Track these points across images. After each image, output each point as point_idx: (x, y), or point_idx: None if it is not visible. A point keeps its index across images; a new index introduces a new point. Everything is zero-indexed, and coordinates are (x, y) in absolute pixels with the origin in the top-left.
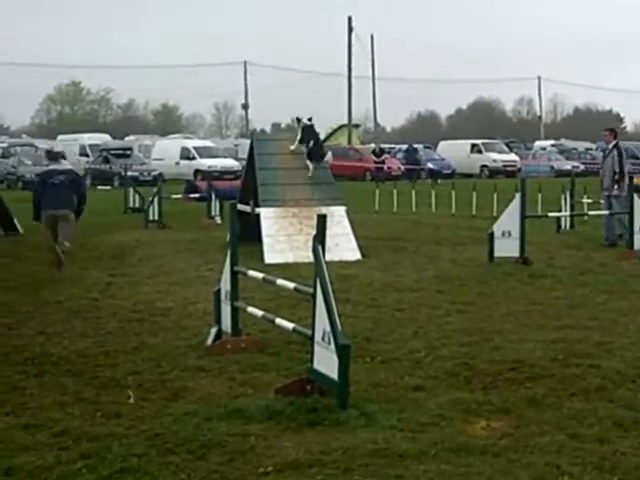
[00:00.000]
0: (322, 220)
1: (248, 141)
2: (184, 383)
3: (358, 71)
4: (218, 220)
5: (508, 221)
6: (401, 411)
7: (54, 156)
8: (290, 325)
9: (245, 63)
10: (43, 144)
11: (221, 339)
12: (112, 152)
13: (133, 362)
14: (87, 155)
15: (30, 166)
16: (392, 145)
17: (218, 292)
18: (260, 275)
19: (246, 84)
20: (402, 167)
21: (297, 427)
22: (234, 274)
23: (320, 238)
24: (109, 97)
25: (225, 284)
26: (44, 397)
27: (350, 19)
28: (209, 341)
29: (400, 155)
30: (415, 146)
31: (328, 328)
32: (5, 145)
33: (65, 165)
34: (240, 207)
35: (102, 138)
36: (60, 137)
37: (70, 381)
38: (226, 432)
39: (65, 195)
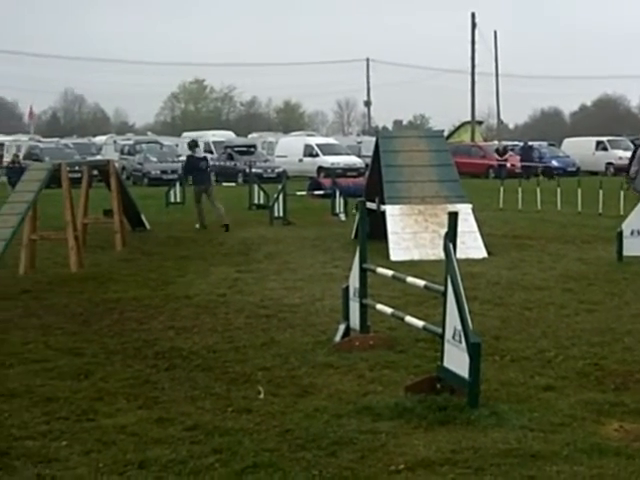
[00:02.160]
0: (453, 217)
1: (370, 138)
2: (313, 379)
3: (481, 67)
4: (342, 217)
5: (637, 220)
6: (532, 411)
7: (194, 144)
8: (420, 323)
9: (367, 60)
10: (168, 141)
11: (349, 336)
12: (236, 149)
13: (262, 358)
14: (211, 152)
15: (156, 163)
16: (514, 142)
17: (346, 289)
18: (390, 272)
19: (368, 81)
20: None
21: (427, 425)
22: (363, 271)
23: (451, 236)
24: (232, 95)
25: (354, 281)
26: (175, 391)
27: (474, 15)
28: (337, 338)
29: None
30: (530, 144)
31: (459, 326)
32: (131, 142)
33: (200, 153)
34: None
35: (226, 135)
36: (185, 134)
37: (200, 376)
38: (356, 429)
39: (207, 175)
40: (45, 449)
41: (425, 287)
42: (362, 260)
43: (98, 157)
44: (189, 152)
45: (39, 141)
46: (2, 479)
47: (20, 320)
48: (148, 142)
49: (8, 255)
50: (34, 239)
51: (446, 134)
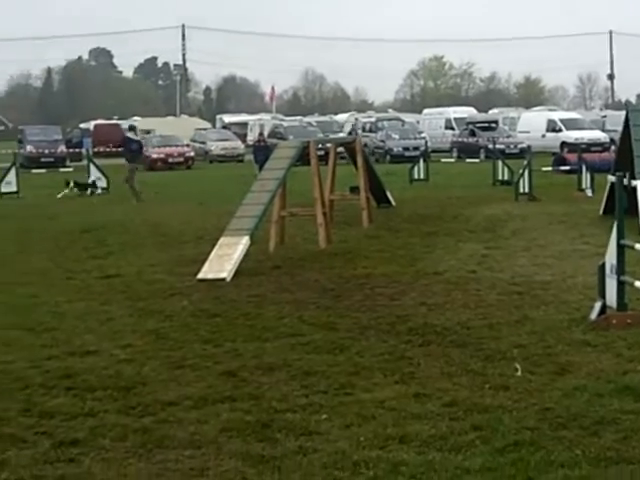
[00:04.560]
0: None
1: (615, 112)
2: (570, 358)
3: None
4: (589, 193)
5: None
6: None
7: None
8: None
9: (610, 33)
10: (410, 118)
11: (605, 314)
12: (478, 125)
13: (517, 335)
14: (452, 128)
15: (397, 140)
16: None
17: (602, 266)
18: None
19: (612, 54)
20: None
21: None
22: (621, 248)
23: None
24: (471, 71)
25: (611, 258)
26: (431, 367)
27: None
28: (593, 316)
29: None
30: None
31: None
32: (373, 120)
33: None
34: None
35: (467, 111)
36: (426, 111)
37: (455, 352)
38: (618, 409)
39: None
40: (305, 422)
41: None
42: (620, 236)
43: (341, 135)
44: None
45: (282, 120)
46: (265, 451)
47: (273, 295)
48: (389, 119)
49: (259, 231)
50: (283, 215)
51: None
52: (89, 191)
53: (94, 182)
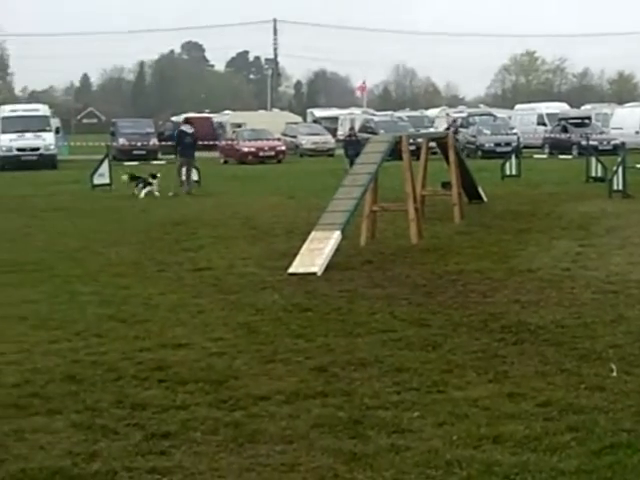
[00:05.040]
0: None
1: None
2: None
3: None
4: None
5: None
6: None
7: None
8: None
9: None
10: (502, 114)
11: None
12: (570, 121)
13: (612, 335)
14: (544, 124)
15: (489, 135)
16: None
17: None
18: None
19: None
20: None
21: None
22: None
23: None
24: (564, 66)
25: None
26: (525, 366)
27: None
28: None
29: None
30: None
31: None
32: (464, 115)
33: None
34: None
35: (560, 107)
36: (517, 106)
37: (550, 351)
38: None
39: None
40: (397, 419)
41: None
42: None
43: (431, 130)
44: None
45: (373, 114)
46: (357, 447)
47: (365, 290)
48: (481, 114)
49: (350, 225)
50: (375, 210)
51: None
52: (140, 185)
53: (154, 175)
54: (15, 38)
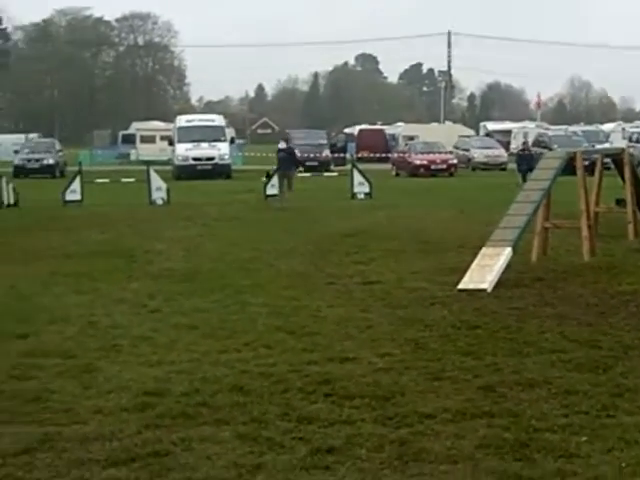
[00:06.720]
0: None
1: None
2: None
3: None
4: None
5: None
6: None
7: None
8: None
9: None
10: None
11: None
12: None
13: None
14: None
15: None
16: None
17: None
18: None
19: None
20: None
21: None
22: None
23: None
24: None
25: None
26: None
27: None
28: None
29: None
30: None
31: None
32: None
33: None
34: None
35: None
36: None
37: None
38: None
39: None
40: (565, 443)
41: None
42: None
43: (606, 145)
44: None
45: (547, 128)
46: (523, 471)
47: (535, 308)
48: None
49: (521, 242)
50: (547, 227)
51: None
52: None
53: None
54: (192, 49)
